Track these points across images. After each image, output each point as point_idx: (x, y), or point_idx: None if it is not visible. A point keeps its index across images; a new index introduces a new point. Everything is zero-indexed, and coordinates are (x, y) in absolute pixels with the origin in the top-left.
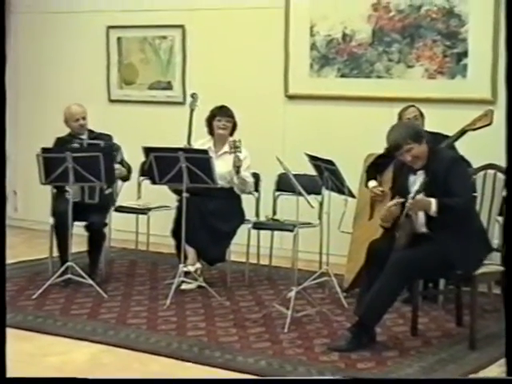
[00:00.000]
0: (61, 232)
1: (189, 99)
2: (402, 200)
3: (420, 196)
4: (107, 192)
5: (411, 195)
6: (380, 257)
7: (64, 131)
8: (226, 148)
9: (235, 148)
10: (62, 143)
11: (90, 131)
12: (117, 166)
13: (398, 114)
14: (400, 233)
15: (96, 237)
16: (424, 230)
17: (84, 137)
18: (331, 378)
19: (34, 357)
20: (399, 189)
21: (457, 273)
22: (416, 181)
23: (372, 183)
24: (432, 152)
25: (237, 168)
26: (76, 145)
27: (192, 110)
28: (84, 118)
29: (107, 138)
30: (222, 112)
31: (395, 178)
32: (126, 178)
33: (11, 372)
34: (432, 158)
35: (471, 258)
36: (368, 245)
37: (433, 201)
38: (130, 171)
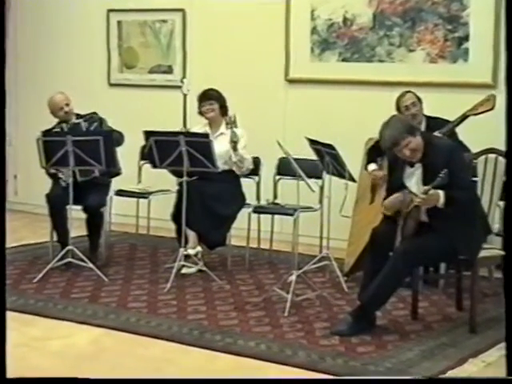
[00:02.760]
0: (56, 217)
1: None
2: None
3: (432, 191)
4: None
5: (425, 188)
6: (384, 243)
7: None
8: (222, 129)
9: (231, 123)
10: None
11: (78, 115)
12: None
13: (395, 102)
14: (409, 222)
15: (94, 218)
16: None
17: (73, 120)
18: (331, 378)
19: (35, 341)
20: (395, 182)
21: (459, 257)
22: (414, 173)
23: (371, 166)
24: (427, 142)
25: (234, 143)
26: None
27: (185, 95)
28: (67, 105)
29: (95, 116)
30: (203, 97)
31: (390, 170)
32: (119, 143)
33: (14, 356)
34: (428, 149)
35: (474, 242)
36: (371, 231)
37: (441, 194)
38: (122, 136)
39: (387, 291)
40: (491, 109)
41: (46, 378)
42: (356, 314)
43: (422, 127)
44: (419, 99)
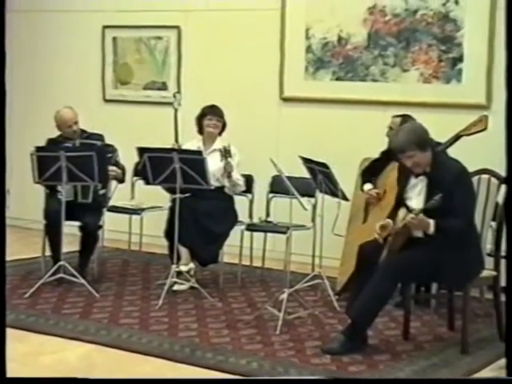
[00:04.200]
0: (52, 232)
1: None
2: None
3: (421, 215)
4: (101, 192)
5: (415, 211)
6: (371, 259)
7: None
8: (215, 145)
9: (226, 154)
10: (53, 144)
11: (83, 131)
12: (113, 167)
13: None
14: (398, 237)
15: (89, 238)
16: (420, 234)
17: (76, 139)
18: (328, 378)
19: (26, 356)
20: (400, 190)
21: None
22: (417, 185)
23: (367, 186)
24: (437, 158)
25: (228, 173)
26: (70, 144)
27: (176, 110)
28: (76, 123)
29: (99, 137)
30: (212, 111)
31: (399, 176)
32: (121, 180)
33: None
34: (436, 166)
35: (461, 271)
36: (358, 247)
37: (431, 223)
38: (124, 173)
39: (374, 306)
40: (484, 129)
41: (46, 378)
42: (348, 332)
43: None
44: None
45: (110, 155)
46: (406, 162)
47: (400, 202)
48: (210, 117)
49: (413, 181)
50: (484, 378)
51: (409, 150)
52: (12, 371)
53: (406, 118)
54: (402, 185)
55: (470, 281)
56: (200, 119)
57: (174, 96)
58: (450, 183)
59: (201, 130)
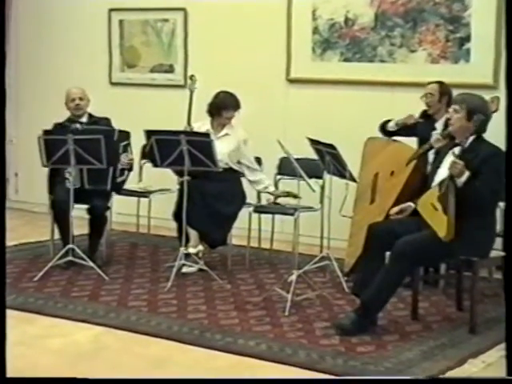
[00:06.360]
0: (61, 220)
1: (188, 81)
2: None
3: (461, 164)
4: (119, 180)
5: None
6: (380, 240)
7: (65, 113)
8: (226, 130)
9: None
10: (60, 128)
11: (90, 115)
12: (132, 156)
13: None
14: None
15: (98, 220)
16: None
17: (84, 120)
18: (333, 378)
19: (35, 339)
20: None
21: (460, 257)
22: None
23: (392, 123)
24: (476, 140)
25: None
26: (78, 126)
27: (191, 92)
28: (81, 99)
29: (107, 122)
30: (234, 106)
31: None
32: (130, 168)
33: (13, 354)
34: (472, 145)
35: (476, 249)
36: (368, 227)
37: (466, 172)
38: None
39: (387, 292)
40: (495, 111)
41: (46, 377)
42: (358, 312)
43: (441, 123)
44: (443, 93)
45: (126, 142)
46: (451, 111)
47: (426, 184)
48: (232, 111)
49: (455, 149)
50: (484, 378)
51: (459, 104)
52: (21, 354)
53: (442, 84)
54: (435, 165)
55: (487, 255)
56: (219, 108)
57: (191, 78)
58: (479, 164)
59: (212, 115)
